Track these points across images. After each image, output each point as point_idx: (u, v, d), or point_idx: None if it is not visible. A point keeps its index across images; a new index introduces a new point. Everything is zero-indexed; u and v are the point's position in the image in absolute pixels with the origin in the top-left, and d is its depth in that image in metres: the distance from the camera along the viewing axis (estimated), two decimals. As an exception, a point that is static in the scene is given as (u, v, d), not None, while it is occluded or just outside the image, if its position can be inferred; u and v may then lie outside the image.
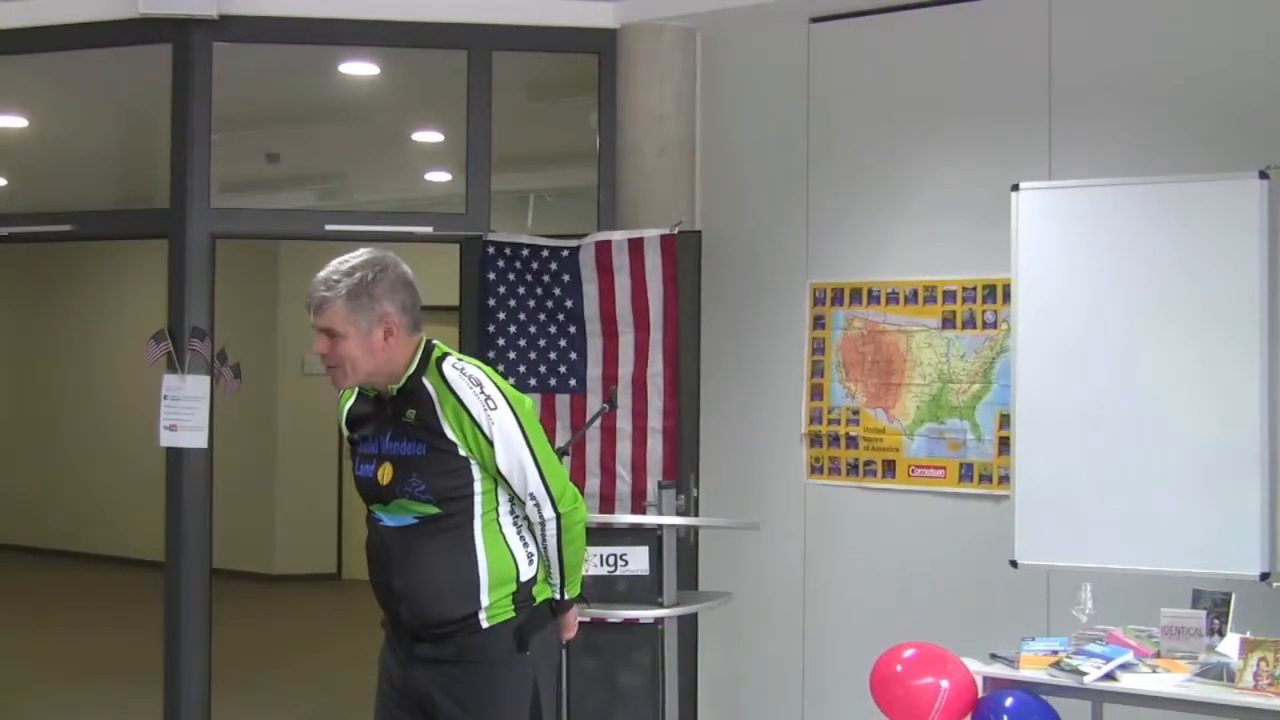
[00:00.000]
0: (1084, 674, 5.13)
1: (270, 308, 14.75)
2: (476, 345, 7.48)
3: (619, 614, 6.48)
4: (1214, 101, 6.34)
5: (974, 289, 6.91)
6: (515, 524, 4.28)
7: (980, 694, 5.33)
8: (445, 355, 4.32)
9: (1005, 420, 6.60)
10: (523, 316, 7.48)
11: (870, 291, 7.23)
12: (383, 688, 4.38)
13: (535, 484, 4.23)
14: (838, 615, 7.31)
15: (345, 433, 4.46)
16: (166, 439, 7.68)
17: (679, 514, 6.90)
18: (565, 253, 7.47)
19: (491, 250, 7.52)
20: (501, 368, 7.40)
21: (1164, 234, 5.84)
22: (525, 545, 4.29)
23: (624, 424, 7.28)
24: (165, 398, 7.67)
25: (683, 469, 7.31)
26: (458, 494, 4.18)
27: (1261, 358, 5.63)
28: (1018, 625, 5.95)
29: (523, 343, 7.45)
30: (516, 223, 9.11)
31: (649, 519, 6.72)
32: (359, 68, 8.63)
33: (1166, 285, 5.81)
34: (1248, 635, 5.04)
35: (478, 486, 4.20)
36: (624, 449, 7.31)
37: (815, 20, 7.47)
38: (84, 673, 10.29)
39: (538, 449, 4.25)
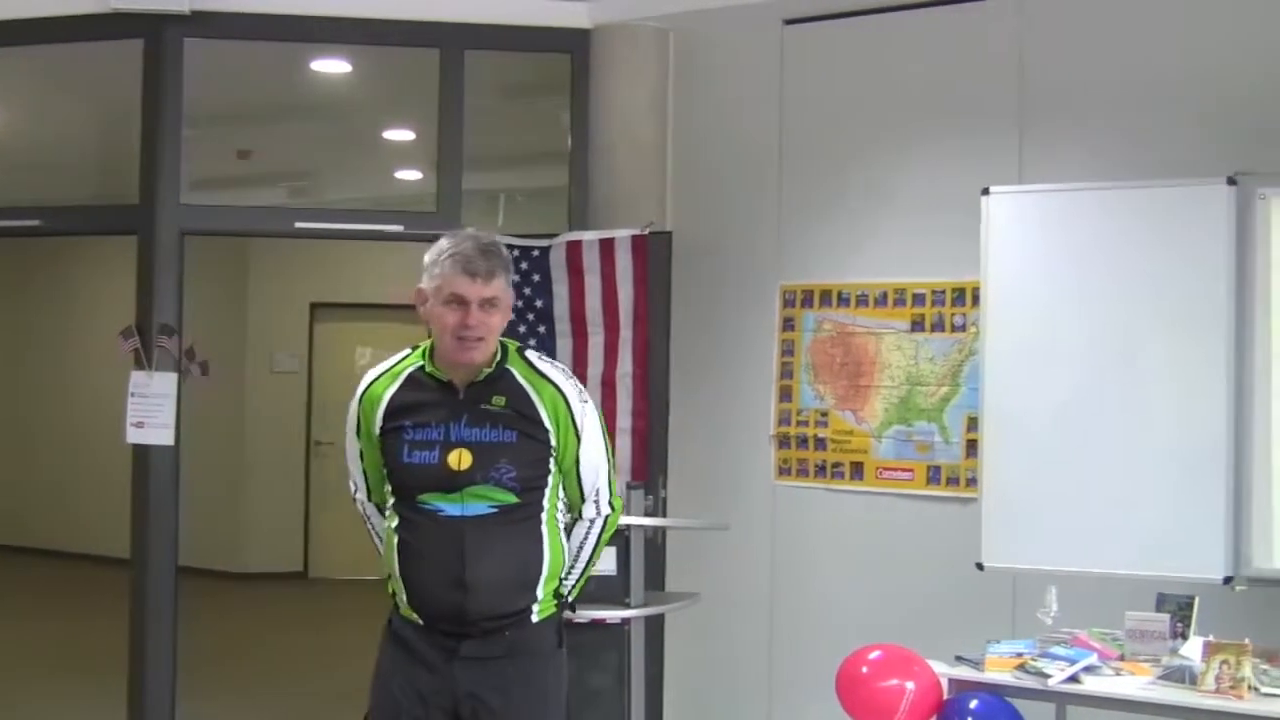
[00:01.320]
0: (1048, 676, 5.16)
1: (240, 305, 14.72)
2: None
3: (586, 614, 6.47)
4: (1183, 108, 6.36)
5: (943, 292, 6.93)
6: (561, 519, 4.28)
7: (945, 696, 5.35)
8: (521, 346, 4.33)
9: (973, 423, 6.61)
10: (493, 316, 7.47)
11: (840, 294, 7.24)
12: (397, 704, 4.17)
13: (604, 481, 4.30)
14: (805, 617, 7.32)
15: (376, 425, 4.25)
16: (133, 436, 7.66)
17: (647, 514, 6.90)
18: (536, 252, 7.47)
19: (462, 249, 7.50)
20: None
21: (1132, 239, 5.86)
22: (566, 541, 4.30)
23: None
24: (132, 395, 7.64)
25: (652, 469, 7.31)
26: (536, 484, 4.17)
27: (1227, 363, 5.66)
28: (983, 627, 5.96)
29: (492, 341, 7.44)
30: (487, 222, 9.09)
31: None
32: (331, 65, 8.62)
33: (1134, 290, 5.84)
34: (1211, 638, 5.07)
35: (549, 480, 4.21)
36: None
37: (789, 22, 7.48)
38: (50, 670, 10.24)
39: (609, 448, 4.32)
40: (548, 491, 4.20)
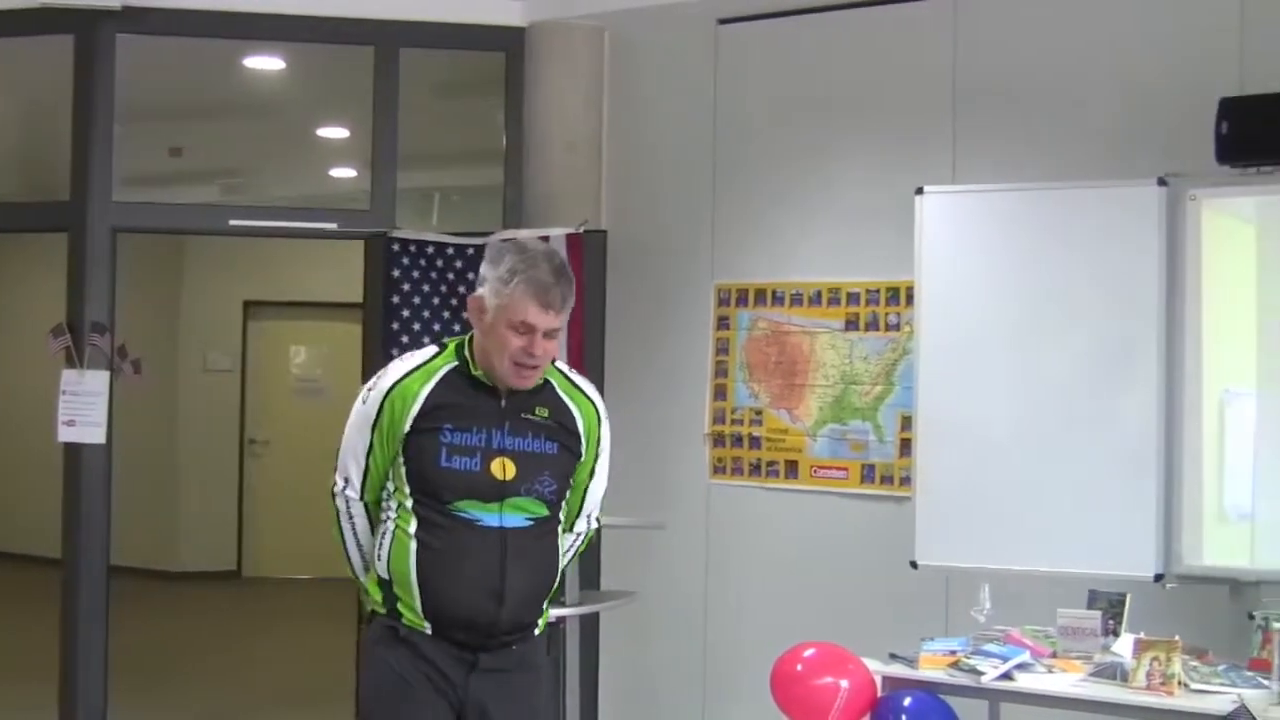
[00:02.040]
0: (981, 674, 5.17)
1: (173, 303, 14.62)
2: (380, 343, 7.46)
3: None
4: (1115, 110, 6.40)
5: (878, 291, 6.95)
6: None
7: (879, 693, 5.36)
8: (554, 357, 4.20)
9: (907, 422, 6.64)
10: (427, 314, 7.46)
11: (775, 293, 7.26)
12: (409, 687, 4.03)
13: (600, 498, 4.35)
14: (740, 615, 7.33)
15: (406, 423, 4.02)
16: (65, 434, 7.60)
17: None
18: (470, 250, 7.46)
19: (396, 247, 7.49)
20: (405, 365, 7.38)
21: (1065, 239, 5.89)
22: None
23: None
24: (64, 393, 7.58)
25: (586, 468, 7.29)
26: (562, 497, 4.15)
27: (1158, 362, 5.70)
28: (917, 625, 5.99)
29: (426, 340, 7.41)
30: (422, 220, 9.09)
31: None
32: (264, 62, 8.59)
33: (1067, 289, 5.87)
34: (1142, 635, 5.09)
35: (569, 493, 4.20)
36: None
37: (723, 21, 7.49)
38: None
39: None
40: (564, 505, 4.18)
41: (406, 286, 7.46)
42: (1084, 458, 5.81)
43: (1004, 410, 5.95)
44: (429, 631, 4.00)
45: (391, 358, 7.24)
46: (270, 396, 14.76)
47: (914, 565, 6.07)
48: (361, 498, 4.15)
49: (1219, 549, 5.69)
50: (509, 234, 7.41)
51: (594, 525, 4.37)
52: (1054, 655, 5.37)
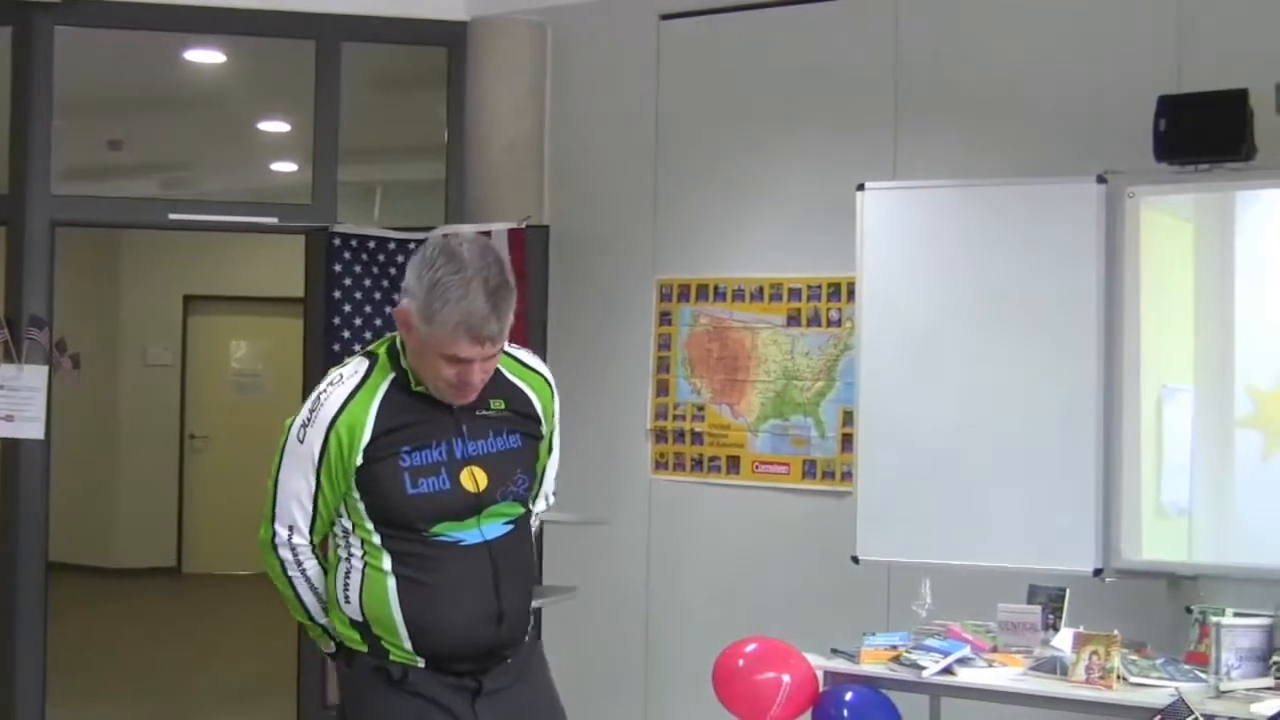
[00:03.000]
0: (923, 668, 5.20)
1: (112, 297, 14.52)
2: (321, 337, 7.43)
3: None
4: (1055, 107, 6.44)
5: (819, 287, 6.97)
6: None
7: (821, 688, 5.37)
8: None
9: (848, 418, 6.66)
10: (368, 309, 7.44)
11: (717, 288, 7.27)
12: None
13: (555, 475, 3.97)
14: (681, 610, 7.33)
15: (358, 456, 3.55)
16: (2, 430, 7.53)
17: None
18: (412, 245, 7.42)
19: (338, 242, 7.47)
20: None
21: (1005, 235, 5.92)
22: None
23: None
24: (1, 388, 7.51)
25: (529, 464, 7.28)
26: (531, 487, 3.80)
27: (1097, 358, 5.73)
28: (859, 620, 5.99)
29: (368, 335, 7.40)
30: (363, 215, 9.05)
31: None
32: (205, 55, 8.53)
33: (1007, 285, 5.90)
34: (1081, 629, 5.13)
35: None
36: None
37: (665, 17, 7.49)
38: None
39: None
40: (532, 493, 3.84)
41: (348, 281, 7.44)
42: (1023, 453, 5.84)
43: (944, 406, 5.97)
44: (423, 665, 3.60)
45: (333, 353, 7.31)
46: (210, 391, 14.68)
47: (855, 560, 6.09)
48: (311, 539, 3.68)
49: (1157, 544, 5.74)
50: (450, 229, 7.39)
51: (551, 503, 4.00)
52: (994, 649, 5.41)
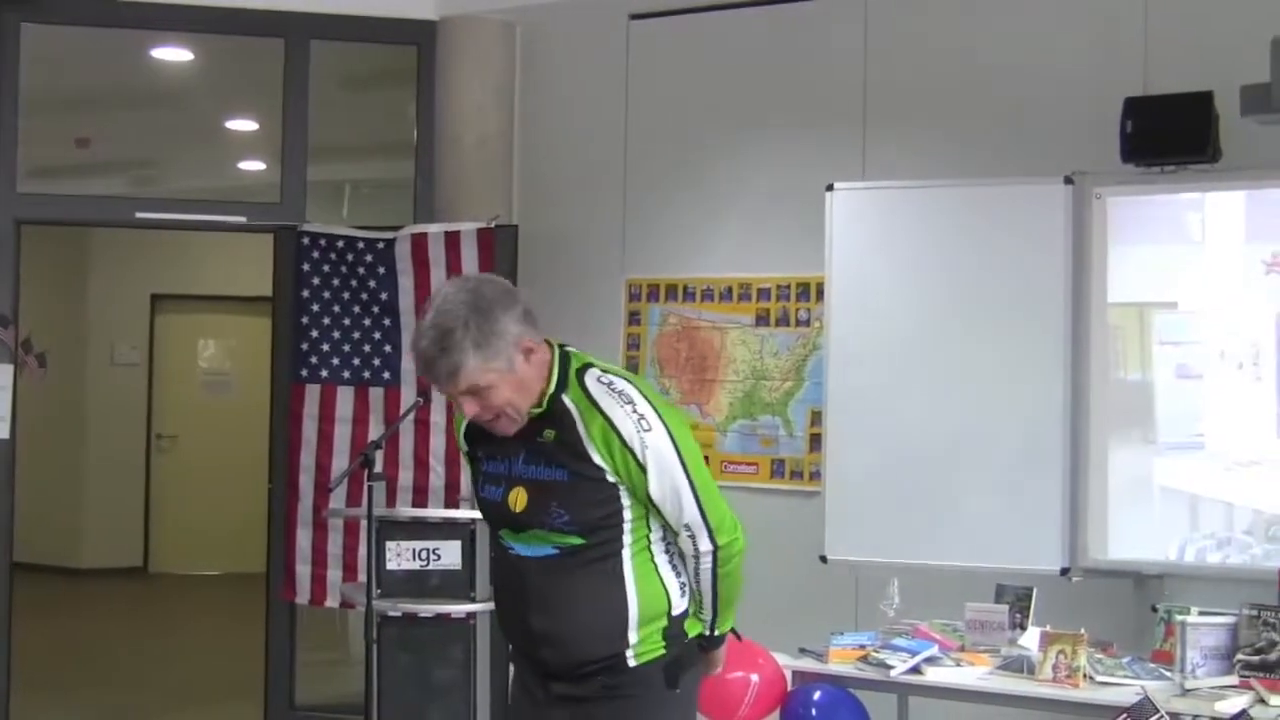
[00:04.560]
0: (891, 667, 5.22)
1: (79, 296, 14.43)
2: (290, 336, 7.41)
3: (431, 609, 6.47)
4: (1023, 108, 6.46)
5: (788, 287, 6.98)
6: (668, 553, 3.77)
7: (789, 687, 5.39)
8: (587, 366, 3.74)
9: (817, 417, 6.67)
10: (337, 308, 7.43)
11: (686, 288, 7.27)
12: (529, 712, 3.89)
13: (692, 514, 3.70)
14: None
15: (463, 447, 3.91)
16: (-32, 429, 7.50)
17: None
18: (381, 245, 7.42)
19: (306, 241, 7.45)
20: (315, 360, 7.33)
21: (973, 235, 5.95)
22: (678, 576, 3.79)
23: (438, 417, 7.23)
24: (-34, 387, 7.48)
25: (497, 464, 7.27)
26: (605, 524, 3.67)
27: (1064, 359, 5.76)
28: (827, 620, 6.00)
29: (337, 334, 7.39)
30: (332, 214, 9.03)
31: (462, 513, 6.73)
32: (172, 53, 8.50)
33: (975, 285, 5.93)
34: (1048, 629, 5.16)
35: (628, 514, 3.68)
36: (437, 442, 7.28)
37: (635, 17, 7.50)
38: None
39: (695, 475, 3.70)
40: (629, 527, 3.70)
41: (317, 280, 7.42)
42: (991, 453, 5.87)
43: (912, 405, 5.99)
44: (527, 664, 3.91)
45: (301, 352, 7.30)
46: (178, 391, 14.60)
47: (823, 560, 6.11)
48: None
49: (1123, 543, 5.76)
50: (419, 229, 7.39)
51: (708, 547, 3.74)
52: (962, 649, 5.43)
